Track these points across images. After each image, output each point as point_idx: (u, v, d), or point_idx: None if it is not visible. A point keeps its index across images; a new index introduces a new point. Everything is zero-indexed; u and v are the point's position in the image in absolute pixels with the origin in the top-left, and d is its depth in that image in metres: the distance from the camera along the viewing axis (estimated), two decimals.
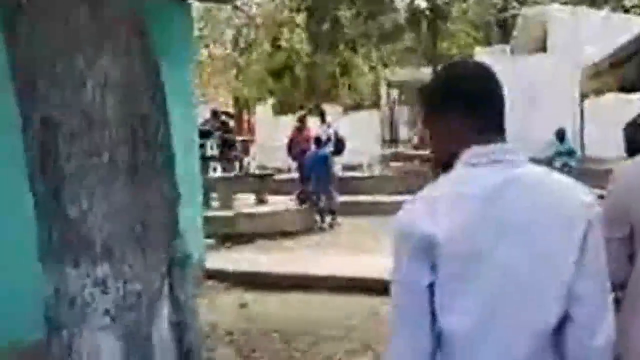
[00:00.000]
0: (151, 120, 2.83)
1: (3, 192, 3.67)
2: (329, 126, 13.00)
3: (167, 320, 2.85)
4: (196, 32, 14.01)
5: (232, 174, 12.41)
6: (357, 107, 20.16)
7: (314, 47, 16.88)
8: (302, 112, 13.53)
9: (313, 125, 13.22)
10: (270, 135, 17.34)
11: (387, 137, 20.16)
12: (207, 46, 19.59)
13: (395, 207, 1.46)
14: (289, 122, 15.12)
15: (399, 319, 1.34)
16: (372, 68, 18.44)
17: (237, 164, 13.82)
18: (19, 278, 2.76)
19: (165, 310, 2.85)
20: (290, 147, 12.83)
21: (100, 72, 2.57)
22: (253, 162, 15.27)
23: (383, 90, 20.76)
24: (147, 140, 2.79)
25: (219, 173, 12.95)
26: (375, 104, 20.59)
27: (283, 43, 16.89)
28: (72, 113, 2.56)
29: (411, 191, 1.47)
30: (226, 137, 13.90)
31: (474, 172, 1.34)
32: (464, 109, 1.39)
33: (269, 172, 12.77)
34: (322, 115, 13.35)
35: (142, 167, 2.75)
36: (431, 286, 1.29)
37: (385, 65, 18.26)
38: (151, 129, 2.83)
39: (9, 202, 3.16)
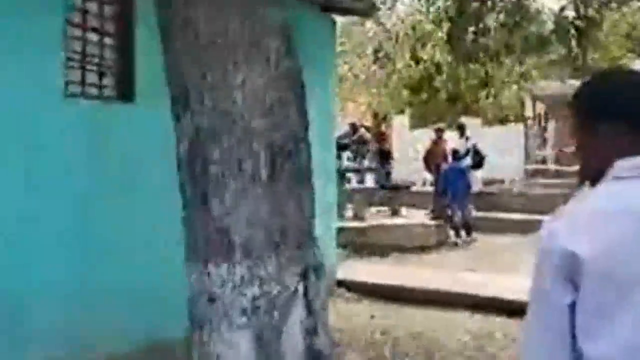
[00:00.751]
0: (292, 132, 2.94)
1: (157, 198, 3.96)
2: (467, 139, 12.73)
3: (299, 324, 2.94)
4: (338, 47, 14.29)
5: (371, 186, 12.53)
6: (499, 121, 19.52)
7: (455, 60, 16.56)
8: (440, 125, 13.34)
9: (451, 139, 13.01)
10: (407, 149, 17.27)
11: (532, 153, 19.33)
12: (346, 62, 19.94)
13: (535, 226, 1.40)
14: (426, 135, 14.99)
15: (535, 339, 1.26)
16: (516, 81, 17.76)
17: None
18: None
19: (298, 314, 2.94)
20: (427, 160, 12.71)
21: (249, 82, 2.70)
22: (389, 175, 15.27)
23: (528, 103, 19.96)
24: (288, 151, 2.90)
25: (354, 184, 13.14)
26: (519, 118, 19.82)
27: (423, 56, 16.76)
28: (221, 122, 2.72)
29: (554, 209, 1.40)
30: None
31: (624, 186, 1.25)
32: (622, 121, 1.29)
33: (404, 184, 12.71)
34: (460, 129, 13.09)
35: (282, 176, 2.86)
36: (572, 306, 1.21)
37: (525, 79, 17.52)
38: (292, 140, 2.94)
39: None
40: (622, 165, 1.26)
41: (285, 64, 2.81)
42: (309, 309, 2.99)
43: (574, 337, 1.22)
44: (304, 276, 2.93)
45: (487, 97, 17.80)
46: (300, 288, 2.91)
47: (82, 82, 4.05)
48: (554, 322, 1.23)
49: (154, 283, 4.07)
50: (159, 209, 3.97)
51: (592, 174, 1.33)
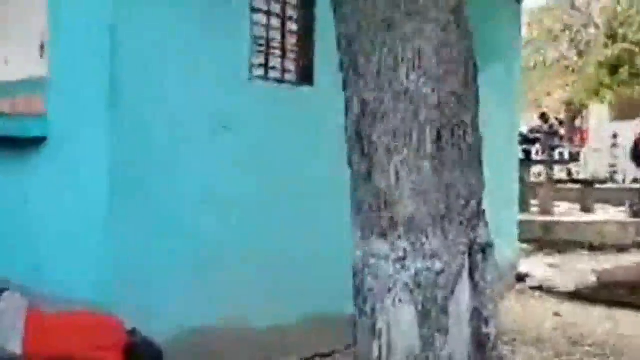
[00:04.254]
0: (460, 106, 2.84)
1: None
2: None
3: (465, 304, 2.84)
4: (527, 35, 13.59)
5: (553, 179, 11.78)
6: None
7: None
8: None
9: None
10: (606, 142, 15.94)
11: None
12: (538, 50, 18.83)
13: None
14: (628, 127, 13.71)
15: None
16: None
17: (564, 170, 13.07)
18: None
19: (464, 294, 2.84)
20: (636, 153, 11.63)
21: (415, 51, 2.65)
22: (583, 169, 14.22)
23: None
24: (455, 125, 2.81)
25: (543, 178, 12.43)
26: None
27: (621, 32, 15.08)
28: (387, 92, 2.70)
29: None
30: (551, 142, 13.34)
31: None
32: None
33: (597, 179, 11.73)
34: None
35: (447, 150, 2.78)
36: None
37: None
38: (459, 115, 2.84)
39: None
40: None
41: (455, 31, 2.70)
42: (476, 290, 2.89)
43: None
44: (469, 255, 2.83)
45: None
46: (466, 267, 2.82)
47: (265, 66, 4.29)
48: None
49: (322, 257, 4.20)
50: (337, 188, 4.09)
51: None
